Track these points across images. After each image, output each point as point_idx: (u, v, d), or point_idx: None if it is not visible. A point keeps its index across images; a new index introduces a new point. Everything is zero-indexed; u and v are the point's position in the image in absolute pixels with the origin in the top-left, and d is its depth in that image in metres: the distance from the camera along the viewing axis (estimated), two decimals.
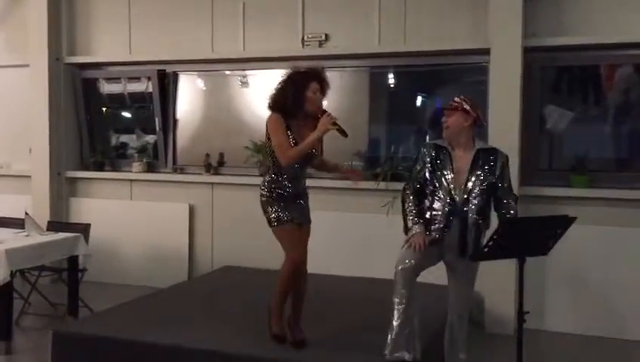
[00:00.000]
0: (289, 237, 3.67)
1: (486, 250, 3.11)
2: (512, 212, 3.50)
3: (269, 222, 3.69)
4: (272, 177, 3.71)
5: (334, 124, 3.54)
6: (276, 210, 3.65)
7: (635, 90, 5.38)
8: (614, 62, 5.35)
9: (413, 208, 3.52)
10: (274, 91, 3.73)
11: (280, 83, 3.73)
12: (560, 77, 5.68)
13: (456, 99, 3.54)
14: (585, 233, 4.86)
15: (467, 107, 3.49)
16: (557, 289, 5.20)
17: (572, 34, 5.20)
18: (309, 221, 3.80)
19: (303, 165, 3.72)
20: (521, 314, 3.14)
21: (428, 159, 3.54)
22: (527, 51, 5.23)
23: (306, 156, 3.65)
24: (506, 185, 3.55)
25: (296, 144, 3.58)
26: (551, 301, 5.22)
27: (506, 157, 3.60)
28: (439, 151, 3.54)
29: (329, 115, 3.56)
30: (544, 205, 5.16)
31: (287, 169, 3.65)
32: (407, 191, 3.59)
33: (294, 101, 3.62)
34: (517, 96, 5.16)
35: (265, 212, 3.71)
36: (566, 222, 3.15)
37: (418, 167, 3.59)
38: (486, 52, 5.31)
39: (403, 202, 3.60)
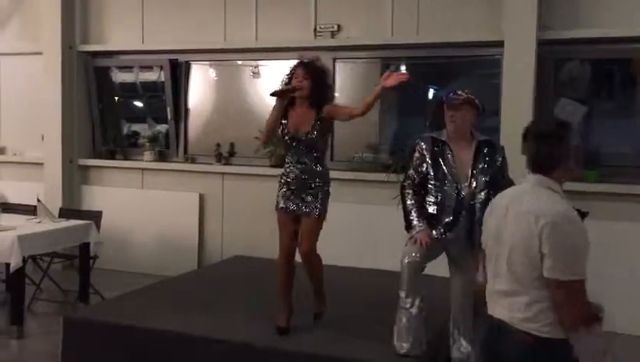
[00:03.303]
0: (279, 225, 3.86)
1: None
2: None
3: None
4: (285, 164, 3.90)
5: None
6: (277, 195, 3.86)
7: None
8: (630, 56, 5.30)
9: (414, 205, 3.48)
10: (326, 86, 3.86)
11: (326, 76, 3.90)
12: (574, 70, 5.63)
13: (460, 92, 3.45)
14: (595, 228, 4.82)
15: (476, 101, 3.45)
16: None
17: (587, 27, 5.14)
18: (309, 213, 3.75)
19: (302, 152, 3.76)
20: None
21: (427, 153, 3.49)
22: (541, 44, 5.18)
23: (298, 140, 3.75)
24: (506, 175, 3.54)
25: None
26: None
27: (503, 148, 3.59)
28: (438, 144, 3.49)
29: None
30: None
31: (288, 156, 3.85)
32: (407, 189, 3.54)
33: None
34: (530, 90, 5.13)
35: None
36: (579, 215, 3.12)
37: (417, 162, 3.53)
38: (500, 44, 5.27)
39: (403, 200, 3.55)
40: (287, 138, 3.80)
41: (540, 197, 2.17)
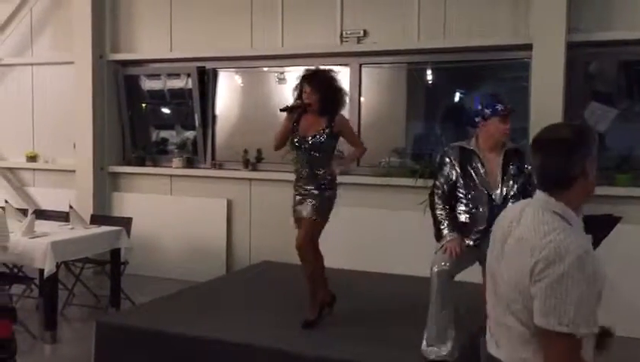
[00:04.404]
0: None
1: None
2: None
3: None
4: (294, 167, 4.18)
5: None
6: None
7: None
8: None
9: (445, 215, 3.47)
10: (337, 94, 4.03)
11: (333, 83, 4.05)
12: (604, 73, 5.54)
13: (502, 102, 3.47)
14: (629, 232, 4.74)
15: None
16: None
17: (617, 28, 5.06)
18: (305, 215, 3.99)
19: (308, 155, 4.00)
20: None
21: (456, 162, 3.48)
22: (571, 46, 5.11)
23: (304, 143, 4.00)
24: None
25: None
26: None
27: None
28: (467, 153, 3.48)
29: None
30: (587, 204, 5.02)
31: (296, 159, 4.12)
32: (436, 198, 3.53)
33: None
34: (560, 93, 5.06)
35: None
36: (611, 221, 3.08)
37: (446, 171, 3.53)
38: (528, 47, 5.21)
39: (433, 209, 3.54)
40: (295, 141, 4.03)
41: (540, 222, 1.72)
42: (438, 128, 6.21)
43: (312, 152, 3.98)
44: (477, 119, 3.46)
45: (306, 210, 3.99)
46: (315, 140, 3.95)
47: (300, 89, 4.03)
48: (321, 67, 4.19)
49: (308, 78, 4.00)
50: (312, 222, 3.99)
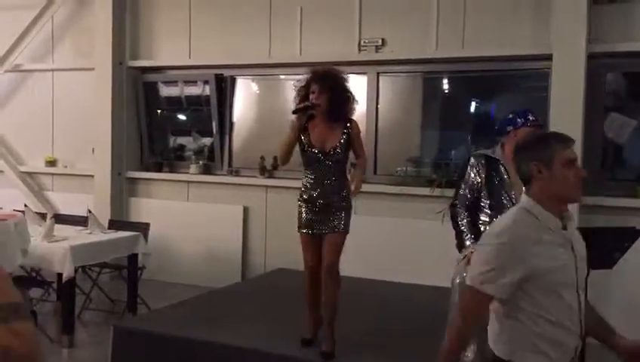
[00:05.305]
0: (302, 245, 3.79)
1: None
2: None
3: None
4: (304, 180, 3.79)
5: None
6: (300, 214, 3.77)
7: None
8: None
9: (468, 225, 3.44)
10: (349, 99, 3.73)
11: (344, 84, 3.75)
12: (624, 83, 5.50)
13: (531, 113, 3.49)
14: None
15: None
16: (619, 305, 5.02)
17: (638, 39, 5.02)
18: (332, 230, 3.67)
19: (327, 167, 3.68)
20: (581, 327, 3.04)
21: (482, 172, 3.45)
22: (591, 57, 5.08)
23: (325, 155, 3.68)
24: None
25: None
26: (612, 316, 5.03)
27: None
28: (491, 162, 3.46)
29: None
30: (607, 216, 4.99)
31: (310, 172, 3.73)
32: (459, 208, 3.49)
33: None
34: (580, 104, 5.03)
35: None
36: (633, 234, 3.05)
37: (471, 181, 3.49)
38: (548, 58, 5.19)
39: (455, 219, 3.50)
40: (311, 153, 3.69)
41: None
42: (456, 138, 6.19)
43: (332, 164, 3.68)
44: (509, 128, 3.45)
45: (334, 224, 3.65)
46: (337, 153, 3.66)
47: (306, 89, 3.68)
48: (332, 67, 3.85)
49: (317, 77, 3.65)
50: (342, 236, 3.68)
